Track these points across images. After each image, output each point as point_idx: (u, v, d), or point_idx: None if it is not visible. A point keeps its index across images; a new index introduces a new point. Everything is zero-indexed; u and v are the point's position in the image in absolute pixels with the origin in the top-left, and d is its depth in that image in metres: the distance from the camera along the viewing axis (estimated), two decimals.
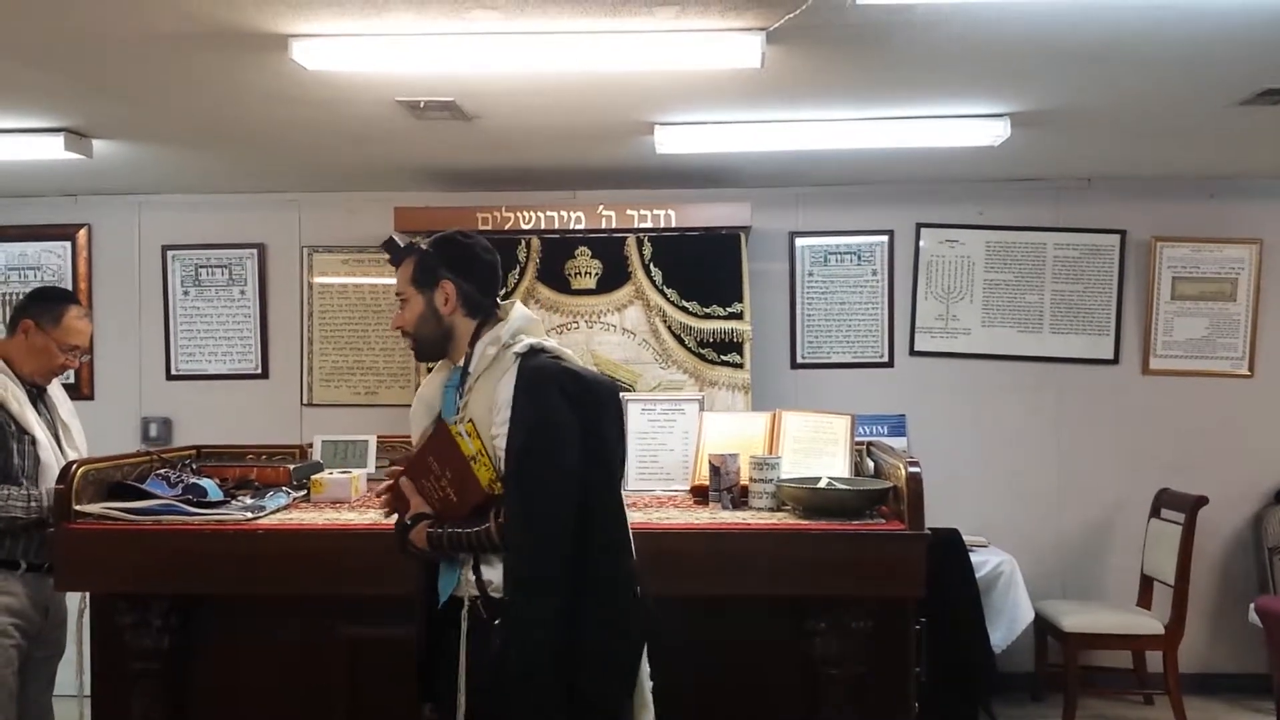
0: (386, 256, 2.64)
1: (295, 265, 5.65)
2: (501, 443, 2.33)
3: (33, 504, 3.20)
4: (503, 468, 2.33)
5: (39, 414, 3.38)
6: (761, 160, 4.85)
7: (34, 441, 3.29)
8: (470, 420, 2.39)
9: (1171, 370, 5.47)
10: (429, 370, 4.41)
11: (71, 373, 5.31)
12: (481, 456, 2.36)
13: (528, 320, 2.52)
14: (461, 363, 2.51)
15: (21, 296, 3.66)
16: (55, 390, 3.53)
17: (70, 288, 5.53)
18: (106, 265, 5.69)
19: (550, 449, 2.30)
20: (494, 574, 2.35)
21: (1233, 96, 3.91)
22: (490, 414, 2.37)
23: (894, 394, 5.48)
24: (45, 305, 3.42)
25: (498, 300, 2.56)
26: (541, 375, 2.35)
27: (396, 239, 2.60)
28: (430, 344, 2.54)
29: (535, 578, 2.27)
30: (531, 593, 2.27)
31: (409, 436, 3.76)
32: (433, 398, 2.59)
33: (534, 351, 2.41)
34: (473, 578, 2.38)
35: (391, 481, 2.51)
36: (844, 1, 2.88)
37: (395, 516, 2.51)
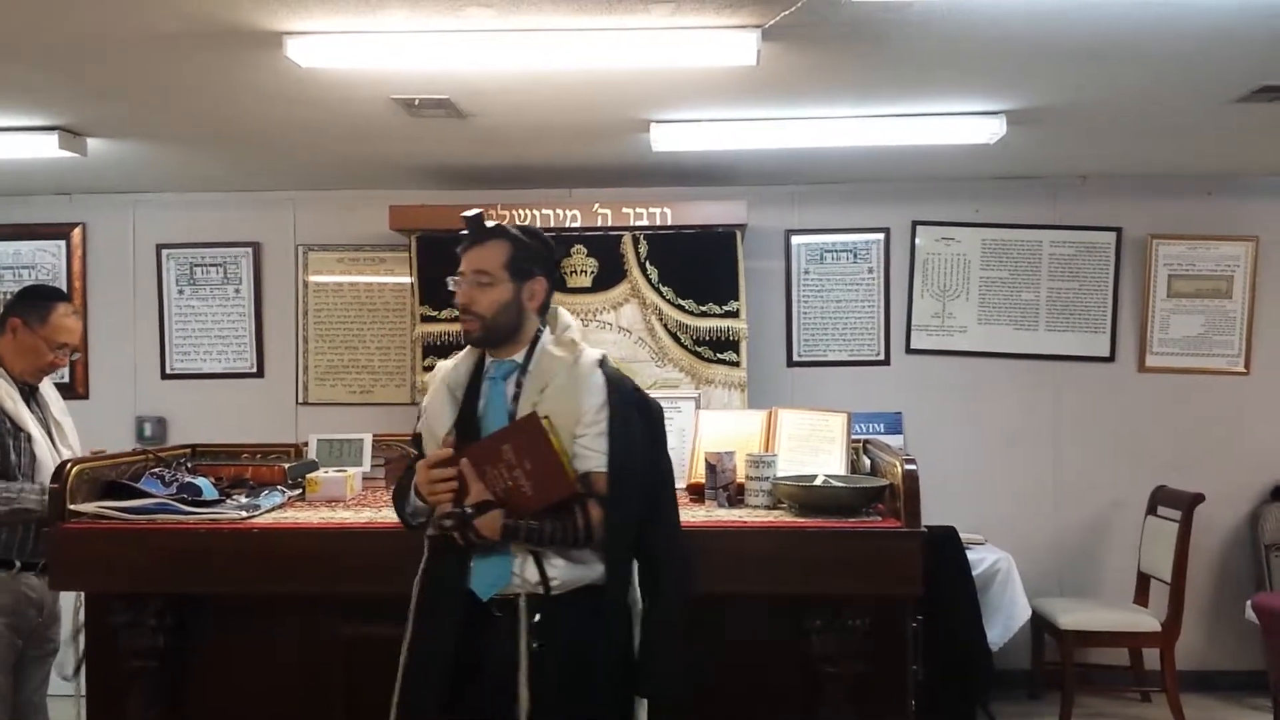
0: (463, 230, 2.54)
1: (290, 264, 5.64)
2: (586, 443, 2.43)
3: (46, 496, 3.19)
4: (583, 467, 2.41)
5: (32, 412, 3.37)
6: (757, 158, 4.84)
7: (29, 439, 3.29)
8: (546, 417, 2.39)
9: (1168, 368, 5.47)
10: (427, 365, 4.37)
11: (66, 372, 5.37)
12: (564, 454, 2.38)
13: (577, 325, 2.64)
14: (519, 358, 2.51)
15: (10, 295, 3.65)
16: (47, 389, 3.52)
17: (65, 286, 5.52)
18: (101, 264, 5.68)
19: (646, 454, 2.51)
20: (559, 570, 2.38)
21: (1229, 94, 3.91)
22: (572, 415, 2.42)
23: (890, 392, 5.48)
24: (33, 304, 3.41)
25: None
26: (627, 388, 2.51)
27: (484, 215, 2.56)
28: (500, 333, 2.50)
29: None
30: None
31: (405, 434, 3.75)
32: (458, 385, 2.54)
33: (603, 361, 2.53)
34: (534, 574, 2.38)
35: (448, 462, 2.40)
36: None
37: (442, 503, 2.40)
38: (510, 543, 2.38)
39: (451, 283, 2.53)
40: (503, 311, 2.48)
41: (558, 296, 4.91)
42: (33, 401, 3.43)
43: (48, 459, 3.31)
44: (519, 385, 2.48)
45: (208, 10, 2.98)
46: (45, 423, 3.44)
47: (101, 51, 3.36)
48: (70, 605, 3.38)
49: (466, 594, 2.41)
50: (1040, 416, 5.50)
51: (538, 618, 2.37)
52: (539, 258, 2.55)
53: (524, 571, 2.38)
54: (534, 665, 2.35)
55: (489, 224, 2.54)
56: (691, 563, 2.55)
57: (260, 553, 2.99)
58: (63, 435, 3.47)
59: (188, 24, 3.09)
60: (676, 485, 2.68)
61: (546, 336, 2.54)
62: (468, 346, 2.60)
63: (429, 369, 5.02)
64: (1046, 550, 5.43)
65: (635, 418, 2.48)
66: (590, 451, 2.43)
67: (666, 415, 2.69)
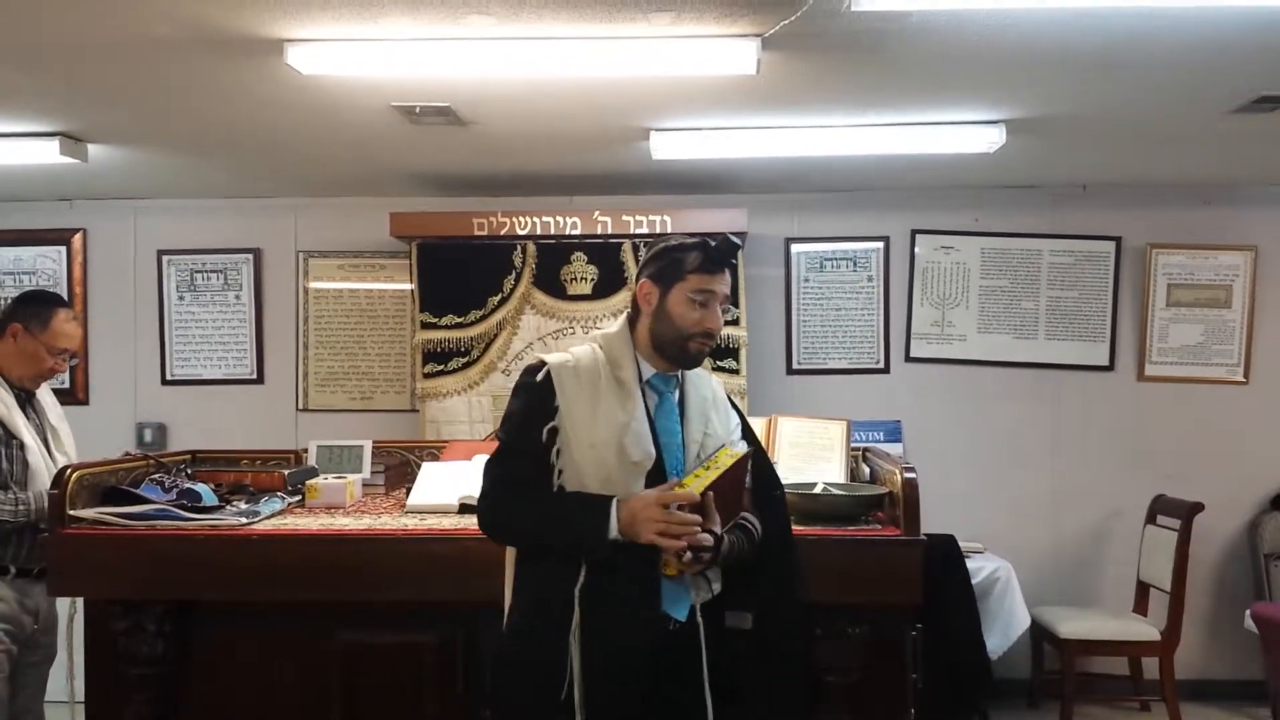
0: (716, 251, 2.46)
1: (291, 270, 5.64)
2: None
3: (20, 508, 3.19)
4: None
5: (27, 418, 3.37)
6: (757, 166, 4.85)
7: (22, 446, 3.28)
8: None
9: (1167, 377, 5.47)
10: (426, 372, 4.37)
11: (66, 378, 5.37)
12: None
13: None
14: (676, 373, 2.47)
15: (9, 301, 3.65)
16: (44, 394, 3.51)
17: (66, 292, 5.53)
18: (102, 270, 5.68)
19: None
20: (715, 577, 2.39)
21: (1228, 104, 3.92)
22: (726, 430, 2.49)
23: (890, 400, 5.49)
24: (33, 309, 3.41)
25: None
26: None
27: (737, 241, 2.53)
28: None
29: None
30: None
31: (405, 441, 3.77)
32: (612, 388, 2.37)
33: None
34: (703, 584, 2.36)
35: (691, 502, 2.25)
36: (839, 8, 2.89)
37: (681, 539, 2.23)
38: (727, 561, 2.36)
39: (696, 297, 2.42)
40: None
41: (554, 303, 5.04)
42: (29, 407, 3.42)
43: (41, 466, 3.30)
44: (682, 399, 2.46)
45: (209, 17, 2.99)
46: (41, 429, 3.43)
47: (103, 58, 3.37)
48: (65, 611, 3.37)
49: (660, 616, 2.31)
50: (1039, 425, 5.50)
51: (708, 627, 2.36)
52: None
53: (695, 583, 2.35)
54: (713, 668, 2.34)
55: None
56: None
57: (260, 559, 2.99)
58: (59, 441, 3.47)
59: (189, 31, 3.09)
60: None
61: None
62: (608, 343, 2.44)
63: (429, 376, 5.04)
64: (1046, 559, 5.43)
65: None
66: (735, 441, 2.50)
67: None
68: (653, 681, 2.30)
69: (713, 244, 2.43)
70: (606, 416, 2.32)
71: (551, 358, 2.41)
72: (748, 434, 2.56)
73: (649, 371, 2.42)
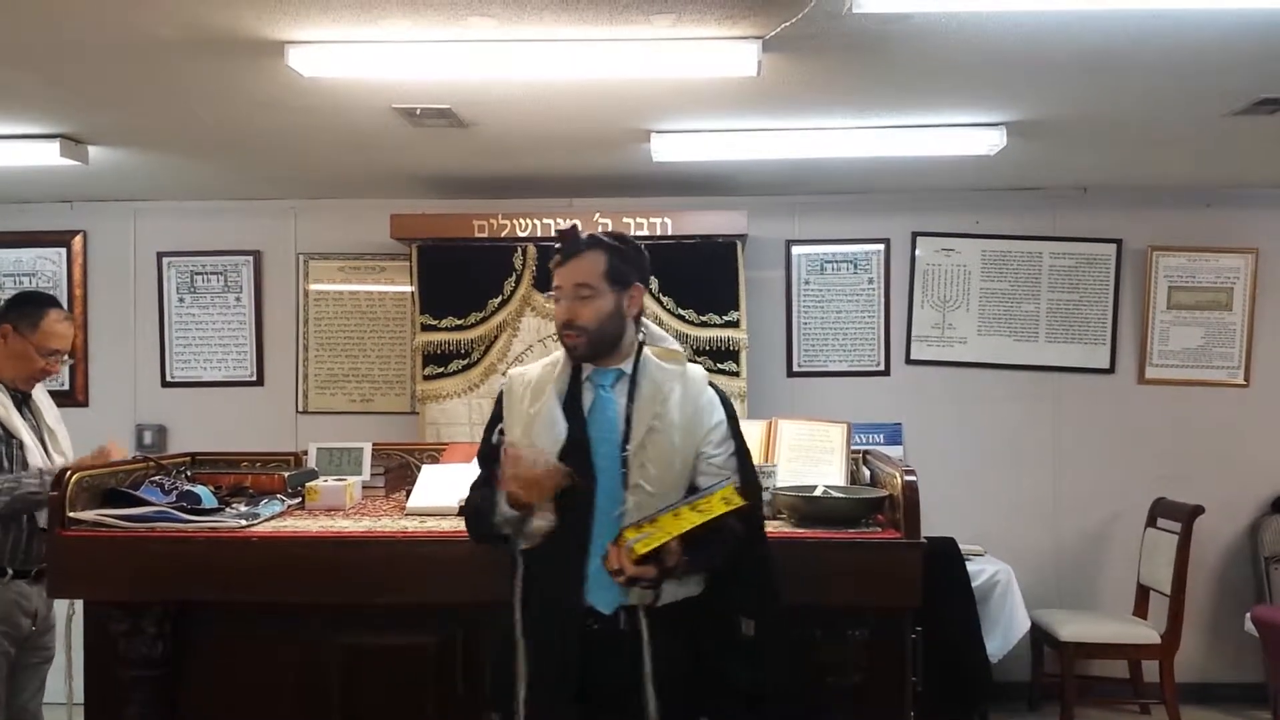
0: (557, 245, 2.52)
1: (291, 272, 5.64)
2: (720, 463, 2.48)
3: (45, 477, 3.18)
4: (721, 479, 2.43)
5: (24, 419, 3.37)
6: (758, 168, 4.85)
7: (21, 445, 3.29)
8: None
9: (1167, 380, 5.47)
10: (427, 374, 4.37)
11: (66, 379, 5.38)
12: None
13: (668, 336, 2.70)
14: (625, 367, 2.50)
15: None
16: (40, 396, 3.52)
17: (65, 294, 5.53)
18: (102, 272, 5.68)
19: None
20: (669, 584, 2.37)
21: (1228, 106, 3.92)
22: (698, 431, 2.47)
23: (890, 402, 5.48)
24: (24, 309, 3.41)
25: None
26: (730, 405, 2.59)
27: (578, 227, 2.55)
28: (605, 344, 2.48)
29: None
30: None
31: (405, 443, 3.76)
32: (563, 392, 2.49)
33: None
34: (678, 591, 2.39)
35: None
36: (841, 10, 2.88)
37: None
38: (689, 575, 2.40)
39: (545, 297, 2.53)
40: (607, 322, 2.46)
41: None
42: (25, 408, 3.42)
43: (40, 466, 3.30)
44: (630, 395, 2.46)
45: (210, 19, 2.99)
46: (38, 430, 3.43)
47: (103, 60, 3.37)
48: (64, 613, 3.37)
49: (585, 609, 2.38)
50: (1040, 428, 5.50)
51: (652, 631, 2.37)
52: (635, 264, 2.53)
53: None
54: (656, 678, 2.35)
55: (584, 235, 2.53)
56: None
57: (259, 561, 2.98)
58: (55, 443, 3.47)
59: (190, 33, 3.09)
60: None
61: (655, 350, 2.54)
62: (560, 355, 2.54)
63: (429, 378, 5.04)
64: (1046, 561, 5.42)
65: (740, 434, 2.57)
66: (726, 471, 2.47)
67: None
68: (593, 677, 2.37)
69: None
70: (525, 414, 2.49)
71: (515, 369, 2.65)
72: (735, 438, 2.54)
73: (589, 369, 2.51)
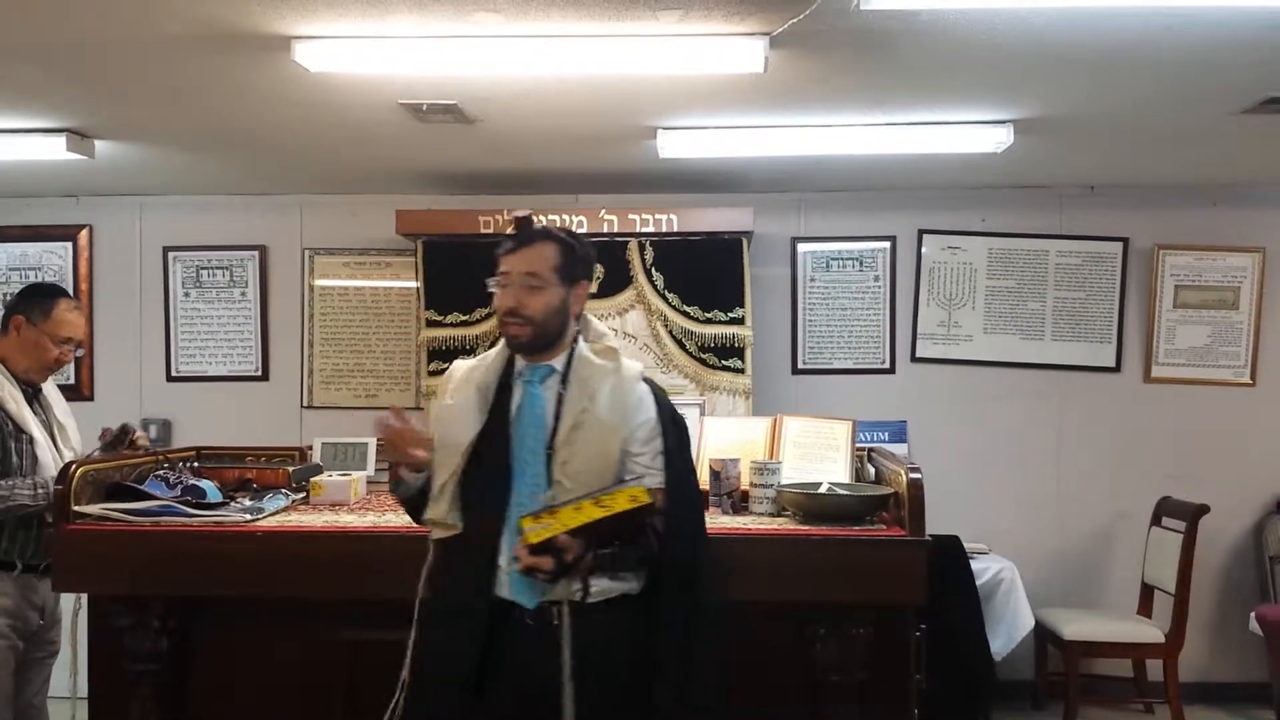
0: (510, 232, 2.55)
1: (296, 267, 5.65)
2: (645, 462, 2.43)
3: (40, 490, 3.19)
4: (647, 481, 2.39)
5: (34, 414, 3.38)
6: (764, 165, 4.85)
7: (31, 440, 3.29)
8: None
9: (1173, 378, 5.46)
10: (432, 370, 4.39)
11: (71, 373, 5.39)
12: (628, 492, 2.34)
13: (610, 333, 2.66)
14: (556, 364, 2.48)
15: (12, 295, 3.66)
16: (50, 390, 3.52)
17: (71, 288, 5.53)
18: (108, 266, 5.69)
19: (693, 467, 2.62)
20: (599, 579, 2.35)
21: (1236, 104, 3.91)
22: (623, 428, 2.43)
23: (895, 400, 5.48)
24: (35, 300, 3.42)
25: None
26: (667, 404, 2.53)
27: (534, 218, 2.56)
28: (546, 337, 2.47)
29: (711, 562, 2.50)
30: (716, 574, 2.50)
31: None
32: (488, 388, 2.50)
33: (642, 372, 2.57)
34: (576, 582, 2.33)
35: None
36: (848, 6, 2.88)
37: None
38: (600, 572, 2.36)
39: (493, 284, 2.50)
40: (552, 316, 2.45)
41: None
42: (35, 403, 3.43)
43: (49, 461, 3.31)
44: (559, 392, 2.45)
45: (216, 14, 2.99)
46: (48, 424, 3.44)
47: (109, 55, 3.37)
48: (69, 607, 3.38)
49: (494, 601, 2.37)
50: (1045, 426, 5.49)
51: (575, 627, 2.34)
52: (585, 263, 2.54)
53: (573, 582, 2.33)
54: (577, 675, 2.32)
55: (537, 226, 2.53)
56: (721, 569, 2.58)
57: (264, 556, 2.98)
58: (65, 437, 3.47)
59: (196, 27, 3.09)
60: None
61: (589, 346, 2.52)
62: (496, 348, 2.56)
63: (434, 374, 5.03)
64: (1050, 560, 5.42)
65: (674, 433, 2.50)
66: (652, 470, 2.43)
67: None
68: (519, 671, 2.35)
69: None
70: (441, 405, 2.54)
71: (461, 359, 2.69)
72: (667, 437, 2.47)
73: (521, 364, 2.51)
